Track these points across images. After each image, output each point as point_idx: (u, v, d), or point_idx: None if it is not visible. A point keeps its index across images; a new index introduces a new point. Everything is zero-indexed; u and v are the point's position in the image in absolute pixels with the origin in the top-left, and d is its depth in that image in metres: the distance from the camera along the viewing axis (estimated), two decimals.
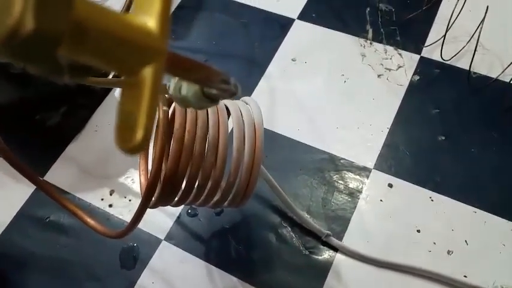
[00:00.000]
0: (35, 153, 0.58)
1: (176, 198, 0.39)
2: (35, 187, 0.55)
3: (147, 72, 0.16)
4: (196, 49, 0.67)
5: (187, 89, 0.25)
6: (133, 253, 0.51)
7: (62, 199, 0.41)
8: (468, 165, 0.54)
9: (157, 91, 0.16)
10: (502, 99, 0.58)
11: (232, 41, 0.67)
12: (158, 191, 0.37)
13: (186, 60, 0.20)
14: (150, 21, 0.17)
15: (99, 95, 0.61)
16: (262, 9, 0.70)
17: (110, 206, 0.54)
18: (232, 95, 0.25)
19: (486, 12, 0.56)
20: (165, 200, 0.38)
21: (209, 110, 0.39)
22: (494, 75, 0.59)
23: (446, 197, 0.52)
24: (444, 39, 0.60)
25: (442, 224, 0.50)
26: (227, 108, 0.40)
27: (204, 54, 0.66)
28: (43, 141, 0.59)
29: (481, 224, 0.50)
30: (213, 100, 0.25)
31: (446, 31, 0.60)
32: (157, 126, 0.37)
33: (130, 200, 0.54)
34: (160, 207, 0.44)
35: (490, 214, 0.51)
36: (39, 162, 0.57)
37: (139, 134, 0.16)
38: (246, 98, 0.42)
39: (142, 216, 0.37)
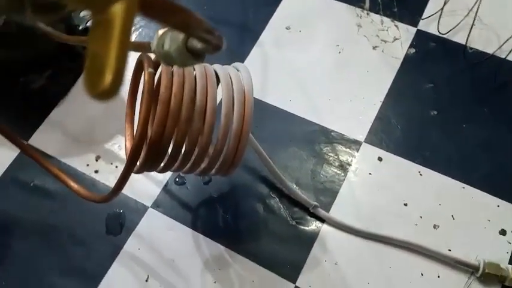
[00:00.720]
0: (19, 117, 0.57)
1: (162, 164, 0.38)
2: (19, 151, 0.54)
3: (117, 9, 0.15)
4: None
5: (169, 43, 0.24)
6: (119, 219, 0.51)
7: (45, 162, 0.40)
8: (458, 141, 0.54)
9: (128, 30, 0.15)
10: (496, 76, 0.57)
11: (225, 7, 0.65)
12: (143, 156, 0.36)
13: (163, 1, 0.18)
14: None
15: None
16: None
17: (96, 172, 0.53)
18: (217, 49, 0.24)
19: None
20: (150, 165, 0.38)
21: (197, 73, 0.38)
22: (490, 51, 0.58)
23: (435, 172, 0.52)
24: (442, 12, 0.59)
25: (429, 199, 0.50)
26: (216, 74, 0.39)
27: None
28: (27, 104, 0.58)
29: (469, 199, 0.50)
30: (197, 56, 0.24)
31: (444, 4, 0.58)
32: (142, 90, 0.36)
33: (116, 167, 0.54)
34: (146, 173, 0.43)
35: (478, 190, 0.51)
36: (23, 126, 0.56)
37: (107, 78, 0.15)
38: (237, 64, 0.41)
39: (127, 180, 0.36)
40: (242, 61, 0.61)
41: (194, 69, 0.38)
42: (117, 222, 0.51)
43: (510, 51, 0.56)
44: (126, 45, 0.15)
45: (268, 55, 0.61)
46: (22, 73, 0.55)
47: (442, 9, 0.59)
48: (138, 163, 0.37)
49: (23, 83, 0.55)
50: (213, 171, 0.41)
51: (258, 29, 0.63)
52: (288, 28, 0.63)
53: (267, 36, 0.62)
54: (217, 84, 0.39)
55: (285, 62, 0.60)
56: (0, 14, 0.13)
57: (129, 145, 0.42)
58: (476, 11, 0.56)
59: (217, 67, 0.40)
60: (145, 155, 0.36)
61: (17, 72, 0.55)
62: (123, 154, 0.54)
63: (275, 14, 0.64)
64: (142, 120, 0.33)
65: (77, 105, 0.58)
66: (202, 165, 0.40)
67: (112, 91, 0.15)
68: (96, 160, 0.54)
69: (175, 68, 0.37)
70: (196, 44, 0.23)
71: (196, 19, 0.20)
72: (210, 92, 0.37)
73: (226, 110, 0.37)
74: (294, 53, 0.61)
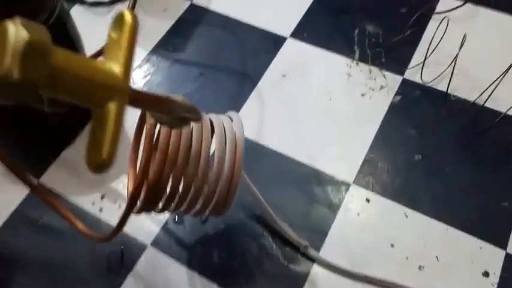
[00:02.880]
0: (33, 154, 0.61)
1: (159, 206, 0.41)
2: (29, 190, 0.58)
3: (112, 107, 0.20)
4: (193, 62, 0.70)
5: None
6: (119, 257, 0.54)
7: (53, 202, 0.44)
8: (442, 184, 0.57)
9: (120, 122, 0.20)
10: (477, 123, 0.61)
11: (227, 56, 0.70)
12: (142, 197, 0.40)
13: (147, 96, 0.24)
14: (116, 66, 0.21)
15: None
16: (258, 27, 0.73)
17: (100, 210, 0.57)
18: (197, 120, 0.29)
19: (463, 41, 0.59)
20: (148, 206, 0.41)
21: (194, 124, 0.41)
22: (471, 99, 0.62)
23: (420, 214, 0.55)
24: (424, 63, 0.63)
25: (415, 240, 0.53)
26: (211, 122, 0.42)
27: (199, 67, 0.69)
28: (42, 142, 0.62)
29: (452, 241, 0.53)
30: (186, 122, 0.28)
31: (426, 56, 0.63)
32: (145, 137, 0.40)
33: (120, 206, 0.57)
34: (146, 213, 0.46)
35: (461, 232, 0.53)
36: (36, 164, 0.60)
37: (103, 156, 0.20)
38: (231, 113, 0.45)
39: (126, 221, 0.39)
40: (241, 105, 0.65)
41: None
42: (117, 260, 0.54)
43: (487, 99, 0.59)
44: (118, 134, 0.20)
45: (265, 100, 0.65)
46: (39, 111, 0.59)
47: (424, 60, 0.63)
48: (138, 204, 0.40)
49: (39, 121, 0.59)
50: (208, 211, 0.44)
51: (256, 76, 0.67)
52: (284, 76, 0.67)
53: (264, 83, 0.67)
54: (212, 132, 0.43)
55: (280, 107, 0.64)
56: (15, 103, 0.17)
57: (131, 187, 0.46)
58: (455, 62, 0.60)
59: (212, 117, 0.43)
60: (145, 196, 0.39)
61: (34, 111, 0.59)
62: (126, 193, 0.58)
63: (272, 62, 0.69)
64: (143, 168, 0.37)
65: None
66: (197, 206, 0.43)
67: (106, 166, 0.20)
68: (102, 198, 0.57)
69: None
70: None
71: (176, 105, 0.25)
72: (205, 141, 0.41)
73: (219, 156, 0.40)
74: (289, 99, 0.65)
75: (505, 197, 0.55)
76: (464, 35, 0.58)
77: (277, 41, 0.71)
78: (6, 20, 0.17)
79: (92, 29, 0.63)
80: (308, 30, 0.72)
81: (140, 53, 0.71)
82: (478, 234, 0.53)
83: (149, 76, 0.69)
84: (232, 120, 0.44)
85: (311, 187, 0.57)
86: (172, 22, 0.75)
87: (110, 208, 0.57)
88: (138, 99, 0.23)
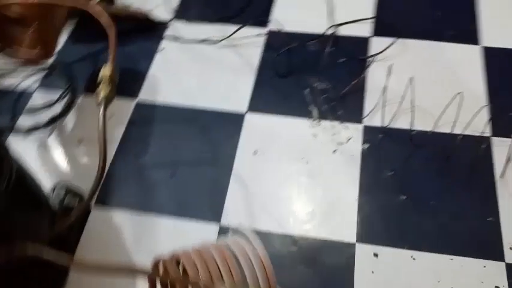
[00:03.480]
0: None
1: None
2: None
3: None
4: (160, 164, 0.70)
5: None
6: None
7: None
8: (432, 217, 0.62)
9: None
10: (443, 149, 0.67)
11: (193, 148, 0.71)
12: None
13: None
14: None
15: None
16: (212, 110, 0.75)
17: None
18: None
19: (411, 83, 0.64)
20: None
21: (218, 259, 0.43)
22: (429, 129, 0.68)
23: (424, 252, 0.59)
24: (376, 106, 0.69)
25: (429, 279, 0.58)
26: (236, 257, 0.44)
27: (168, 168, 0.69)
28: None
29: (459, 268, 0.58)
30: None
31: (377, 102, 0.68)
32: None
33: None
34: None
35: (463, 257, 0.59)
36: None
37: None
38: (245, 232, 0.47)
39: None
40: (224, 196, 0.66)
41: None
42: None
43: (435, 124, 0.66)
44: None
45: (246, 183, 0.67)
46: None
47: (376, 105, 0.69)
48: None
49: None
50: None
51: (229, 161, 0.69)
52: (255, 153, 0.70)
53: (238, 166, 0.68)
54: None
55: (262, 186, 0.67)
56: None
57: None
58: (403, 98, 0.66)
59: (232, 244, 0.45)
60: None
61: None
62: None
63: (240, 142, 0.71)
64: None
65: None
66: None
67: None
68: None
69: (193, 255, 0.42)
70: None
71: None
72: (234, 272, 0.42)
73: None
74: (268, 174, 0.67)
75: (488, 211, 0.61)
76: (411, 72, 0.64)
77: (236, 119, 0.73)
78: None
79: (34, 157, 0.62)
80: (262, 100, 0.75)
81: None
82: (478, 255, 0.59)
83: (120, 190, 0.68)
84: (249, 241, 0.46)
85: (321, 259, 0.60)
86: (124, 127, 0.74)
87: None
88: None
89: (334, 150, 0.69)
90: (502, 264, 0.58)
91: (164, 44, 0.85)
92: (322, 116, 0.72)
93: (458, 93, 0.64)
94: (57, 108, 0.76)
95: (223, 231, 0.62)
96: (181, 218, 0.64)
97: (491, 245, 0.59)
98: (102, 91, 0.66)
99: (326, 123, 0.71)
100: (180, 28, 0.87)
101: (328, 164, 0.68)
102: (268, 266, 0.43)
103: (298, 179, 0.67)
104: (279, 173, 0.67)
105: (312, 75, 0.77)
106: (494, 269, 0.58)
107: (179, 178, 0.68)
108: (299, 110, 0.73)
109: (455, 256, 0.59)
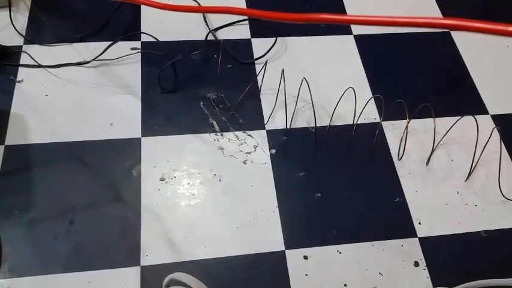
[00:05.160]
0: None
1: None
2: None
3: None
4: (53, 214, 0.61)
5: None
6: None
7: None
8: (347, 209, 0.65)
9: None
10: (340, 141, 0.70)
11: (88, 187, 0.63)
12: None
13: None
14: None
15: None
16: (100, 140, 0.67)
17: None
18: None
19: (282, 74, 0.66)
20: None
21: None
22: (326, 124, 0.71)
23: (348, 244, 0.62)
24: (272, 111, 0.69)
25: (357, 269, 0.60)
26: None
27: (64, 216, 0.60)
28: None
29: (381, 252, 0.62)
30: None
31: (274, 105, 0.69)
32: None
33: None
34: None
35: (382, 241, 0.63)
36: None
37: None
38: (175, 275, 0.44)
39: None
40: (138, 238, 0.61)
41: None
42: None
43: (331, 118, 0.69)
44: None
45: (159, 215, 0.62)
46: None
47: (273, 107, 0.69)
48: None
49: None
50: None
51: (134, 196, 0.63)
52: (162, 179, 0.65)
53: (147, 198, 0.63)
54: None
55: (178, 212, 0.63)
56: None
57: None
58: (297, 97, 0.67)
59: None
60: None
61: None
62: None
63: (142, 173, 0.65)
64: None
65: None
66: None
67: None
68: None
69: None
70: None
71: None
72: None
73: None
74: (183, 201, 0.64)
75: (394, 193, 0.66)
76: (282, 71, 0.66)
77: (131, 147, 0.67)
78: None
79: None
80: (156, 122, 0.70)
81: None
82: (394, 235, 0.63)
83: (12, 257, 0.57)
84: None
85: (254, 272, 0.59)
86: None
87: None
88: None
89: (245, 161, 0.68)
90: (416, 240, 0.63)
91: (21, 74, 0.72)
92: (224, 128, 0.70)
93: (348, 87, 0.68)
94: None
95: (146, 273, 0.57)
96: (94, 271, 0.57)
97: (403, 223, 0.64)
98: None
99: (229, 135, 0.70)
100: (37, 53, 0.74)
101: (241, 177, 0.66)
102: None
103: (215, 199, 0.64)
104: (193, 197, 0.64)
105: (203, 86, 0.74)
106: (410, 245, 0.63)
107: (80, 225, 0.60)
108: (199, 125, 0.70)
109: (375, 241, 0.63)
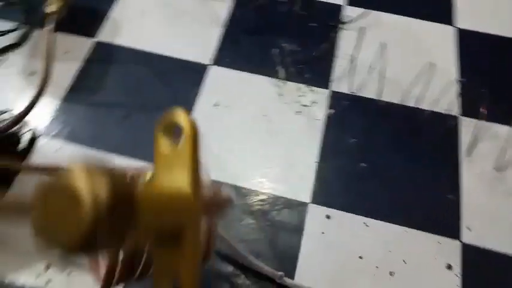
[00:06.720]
0: None
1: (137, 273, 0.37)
2: None
3: (188, 235, 0.19)
4: (113, 104, 0.65)
5: None
6: None
7: None
8: (389, 188, 0.59)
9: (198, 248, 0.18)
10: (407, 123, 0.64)
11: (151, 92, 0.66)
12: (118, 272, 0.34)
13: (213, 204, 0.22)
14: (184, 183, 0.19)
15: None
16: (175, 57, 0.70)
17: (48, 282, 0.49)
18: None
19: (382, 53, 0.62)
20: (126, 275, 0.36)
21: None
22: (396, 101, 0.66)
23: (378, 221, 0.56)
24: (348, 72, 0.66)
25: (380, 247, 0.54)
26: None
27: (121, 108, 0.64)
28: None
29: (413, 241, 0.55)
30: None
31: (351, 65, 0.65)
32: None
33: (70, 273, 0.50)
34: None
35: (418, 231, 0.55)
36: None
37: None
38: None
39: None
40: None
41: None
42: None
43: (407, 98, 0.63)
44: (199, 261, 0.17)
45: (203, 133, 0.62)
46: None
47: (348, 70, 0.66)
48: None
49: None
50: None
51: (187, 110, 0.64)
52: (216, 105, 0.65)
53: (197, 116, 0.63)
54: None
55: (220, 138, 0.62)
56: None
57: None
58: (376, 68, 0.63)
59: None
60: (122, 264, 0.34)
61: None
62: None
63: (201, 93, 0.66)
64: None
65: None
66: None
67: None
68: (46, 269, 0.50)
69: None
70: None
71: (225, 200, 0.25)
72: None
73: None
74: (226, 127, 0.63)
75: (449, 189, 0.59)
76: (382, 44, 0.61)
77: (199, 70, 0.69)
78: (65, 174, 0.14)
79: None
80: (228, 55, 0.70)
81: (52, 103, 0.64)
82: (433, 230, 0.56)
83: (68, 127, 0.62)
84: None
85: (271, 214, 0.56)
86: (79, 64, 0.68)
87: (59, 278, 0.49)
88: (209, 211, 0.20)
89: (298, 112, 0.65)
90: (458, 243, 0.55)
91: None
92: (289, 78, 0.68)
93: (429, 65, 0.62)
94: (11, 39, 0.70)
95: None
96: (134, 159, 0.59)
97: (448, 222, 0.57)
98: (54, 4, 0.59)
99: (292, 85, 0.68)
100: None
101: (290, 124, 0.63)
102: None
103: (258, 135, 0.62)
104: (238, 127, 0.63)
105: (281, 36, 0.73)
106: (449, 246, 0.55)
107: (131, 120, 0.63)
108: (266, 68, 0.69)
109: (410, 229, 0.56)
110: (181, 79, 0.68)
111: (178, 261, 0.17)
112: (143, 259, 0.36)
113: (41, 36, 0.59)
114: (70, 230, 0.14)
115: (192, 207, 0.18)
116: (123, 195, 0.16)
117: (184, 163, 0.18)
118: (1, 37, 0.70)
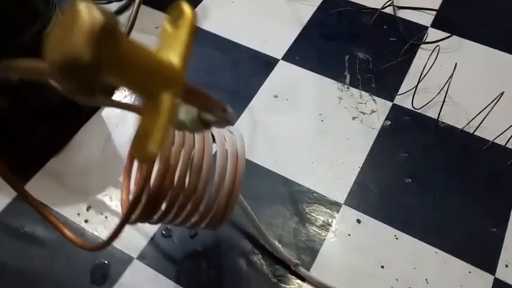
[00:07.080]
0: (16, 165, 0.59)
1: (156, 217, 0.40)
2: (12, 197, 0.56)
3: (166, 98, 0.20)
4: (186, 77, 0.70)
5: (185, 114, 0.27)
6: (104, 270, 0.52)
7: (42, 209, 0.42)
8: (431, 208, 0.57)
9: (171, 114, 0.20)
10: (466, 150, 0.62)
11: (220, 74, 0.71)
12: (140, 208, 0.39)
13: (197, 90, 0.23)
14: (175, 58, 0.21)
15: (87, 113, 0.63)
16: (250, 48, 0.74)
17: (86, 221, 0.55)
18: (228, 124, 0.29)
19: (454, 69, 0.61)
20: (145, 217, 0.40)
21: (196, 135, 0.41)
22: (460, 126, 0.64)
23: (410, 236, 0.55)
24: (416, 89, 0.65)
25: (404, 262, 0.53)
26: (213, 136, 0.42)
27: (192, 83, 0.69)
28: (26, 153, 0.60)
29: (442, 264, 0.53)
30: (208, 125, 0.28)
31: (418, 82, 0.65)
32: None
33: (106, 217, 0.55)
34: (136, 225, 0.45)
35: (450, 255, 0.54)
36: (19, 173, 0.58)
37: (152, 147, 0.20)
38: (231, 128, 0.45)
39: (122, 230, 0.38)
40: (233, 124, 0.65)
41: None
42: (101, 272, 0.52)
43: (477, 127, 0.61)
44: (169, 124, 0.20)
45: (257, 120, 0.65)
46: (26, 123, 0.58)
47: (416, 86, 0.65)
48: (133, 216, 0.39)
49: (26, 132, 0.58)
50: (203, 224, 0.43)
51: (249, 96, 0.68)
52: (276, 96, 0.68)
53: (256, 102, 0.67)
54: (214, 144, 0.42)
55: (272, 126, 0.65)
56: (72, 97, 0.17)
57: (124, 197, 0.45)
58: (447, 90, 0.62)
59: (213, 130, 0.43)
60: (143, 208, 0.38)
61: (20, 122, 0.58)
62: (113, 205, 0.56)
63: (265, 83, 0.69)
64: (145, 177, 0.36)
65: (73, 156, 0.60)
66: (193, 219, 0.43)
67: (153, 157, 0.20)
68: (87, 210, 0.56)
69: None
70: (210, 117, 0.27)
71: (218, 103, 0.25)
72: (206, 153, 0.40)
73: (220, 170, 0.40)
74: (281, 119, 0.65)
75: (493, 222, 0.56)
76: (456, 64, 0.60)
77: (269, 63, 0.72)
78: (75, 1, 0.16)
79: None
80: (300, 54, 0.73)
81: None
82: (467, 259, 0.54)
83: None
84: (233, 135, 0.44)
85: (302, 206, 0.57)
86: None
87: (96, 220, 0.55)
88: (191, 92, 0.23)
89: (354, 117, 0.66)
90: (490, 277, 0.53)
91: None
92: (354, 84, 0.69)
93: (502, 97, 0.60)
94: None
95: None
96: None
97: (484, 254, 0.54)
98: None
99: (355, 91, 0.68)
100: None
101: (343, 128, 0.65)
102: (241, 163, 0.41)
103: (308, 131, 0.64)
104: (291, 120, 0.65)
105: (357, 45, 0.74)
106: (480, 278, 0.52)
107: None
108: (333, 72, 0.71)
109: (442, 252, 0.54)
110: (251, 68, 0.71)
111: (152, 122, 0.20)
112: (165, 204, 0.40)
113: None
114: (74, 40, 0.17)
115: (176, 76, 0.21)
116: (115, 31, 0.18)
117: (180, 41, 0.21)
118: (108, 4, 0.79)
